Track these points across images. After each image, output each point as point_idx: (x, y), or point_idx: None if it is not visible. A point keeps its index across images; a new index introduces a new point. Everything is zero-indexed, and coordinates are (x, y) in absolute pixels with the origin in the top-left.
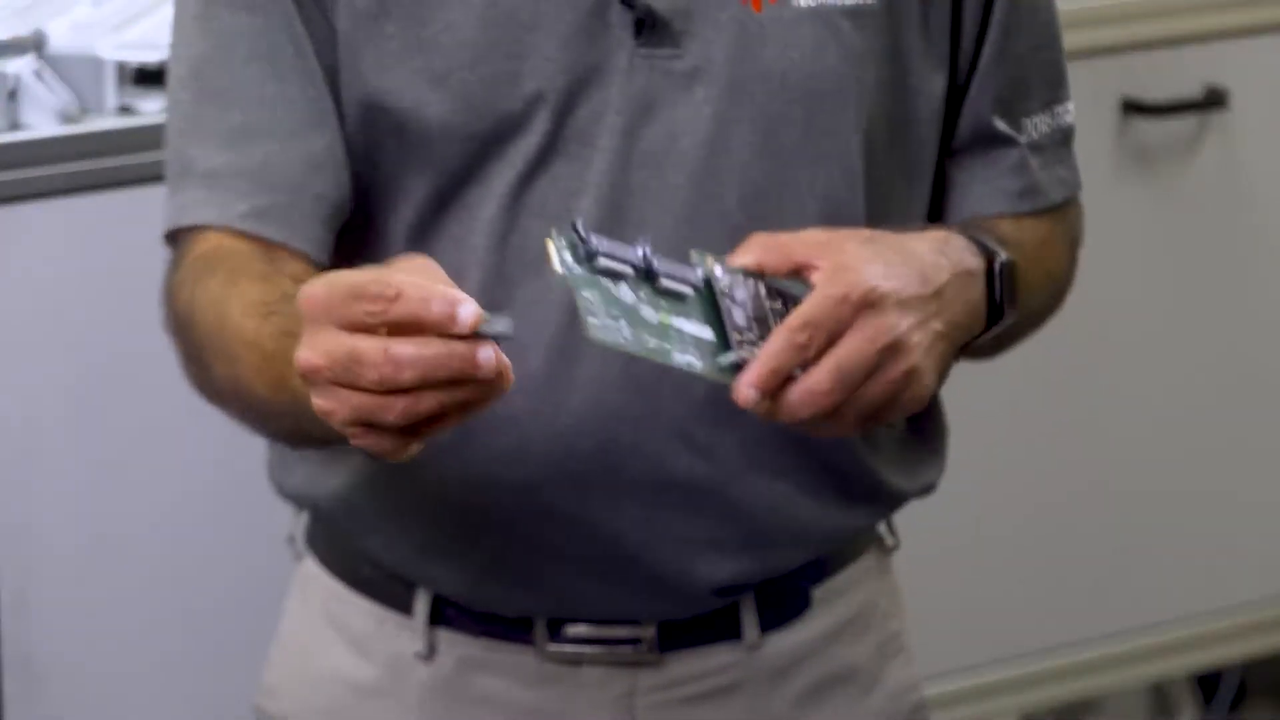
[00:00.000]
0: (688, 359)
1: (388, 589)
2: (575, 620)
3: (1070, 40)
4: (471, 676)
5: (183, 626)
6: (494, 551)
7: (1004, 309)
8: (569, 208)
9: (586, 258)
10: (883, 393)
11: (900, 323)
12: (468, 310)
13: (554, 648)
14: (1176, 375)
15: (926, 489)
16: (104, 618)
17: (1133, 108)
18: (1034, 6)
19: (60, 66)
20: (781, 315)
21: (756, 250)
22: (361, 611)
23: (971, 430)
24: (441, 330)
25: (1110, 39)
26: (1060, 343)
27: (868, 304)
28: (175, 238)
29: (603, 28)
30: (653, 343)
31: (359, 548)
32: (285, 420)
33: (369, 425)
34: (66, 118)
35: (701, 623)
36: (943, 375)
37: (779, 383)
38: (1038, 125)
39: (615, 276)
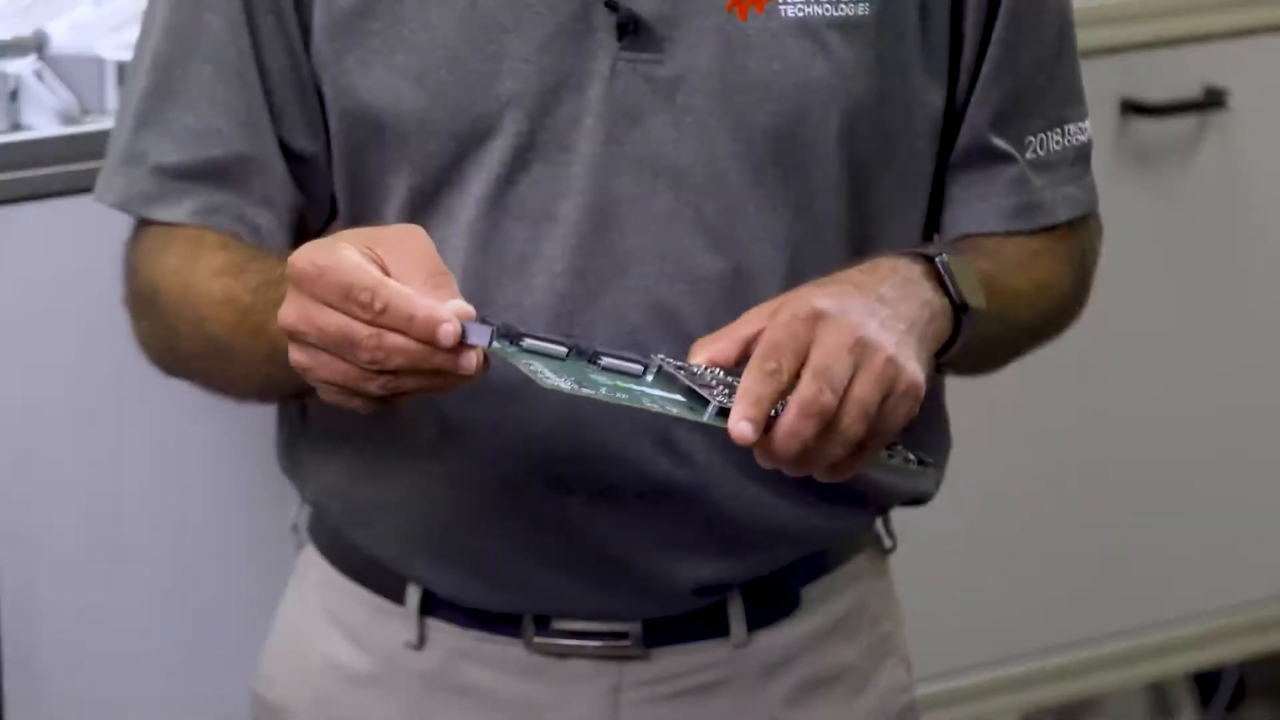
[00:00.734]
0: (663, 405)
1: (382, 579)
2: (562, 616)
3: None
4: (461, 667)
5: (183, 627)
6: (478, 551)
7: (967, 305)
8: (551, 212)
9: (513, 340)
10: (874, 387)
11: (860, 322)
12: (447, 330)
13: (541, 641)
14: (1176, 375)
15: (920, 498)
16: (104, 618)
17: (1132, 108)
18: (1039, 24)
19: (61, 67)
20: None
21: (703, 351)
22: (357, 601)
23: (970, 430)
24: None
25: (1110, 39)
26: (1059, 343)
27: (819, 317)
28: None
29: (586, 31)
30: (621, 393)
31: (353, 539)
32: (260, 370)
33: (346, 389)
34: (67, 118)
35: (689, 619)
36: (928, 373)
37: (766, 413)
38: (1043, 142)
39: (549, 356)
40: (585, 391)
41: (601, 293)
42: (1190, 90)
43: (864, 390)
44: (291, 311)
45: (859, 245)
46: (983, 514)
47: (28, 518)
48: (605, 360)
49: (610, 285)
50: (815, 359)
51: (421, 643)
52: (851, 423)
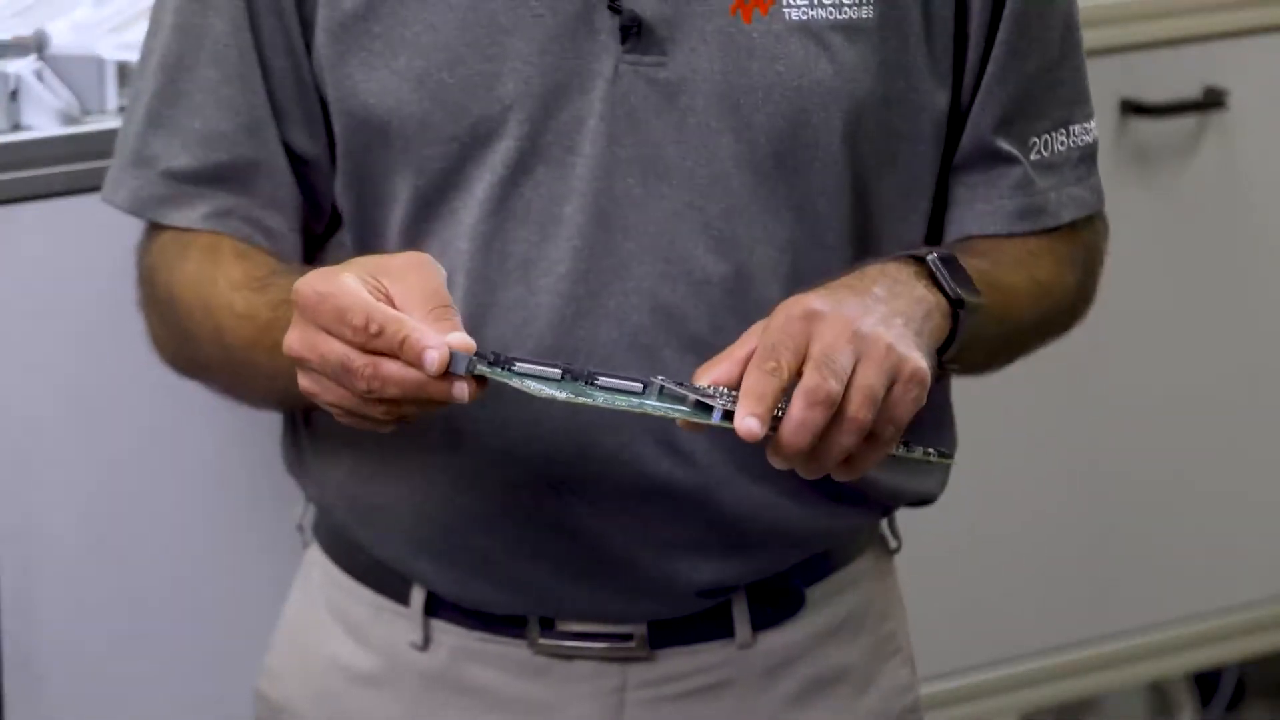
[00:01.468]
0: (666, 411)
1: (386, 579)
2: (565, 618)
3: None
4: (465, 667)
5: (183, 627)
6: (481, 552)
7: (963, 300)
8: (554, 214)
9: (504, 366)
10: (877, 373)
11: (856, 317)
12: (433, 356)
13: (546, 642)
14: (1175, 375)
15: (926, 498)
16: (104, 618)
17: (1131, 108)
18: (1045, 26)
19: (61, 67)
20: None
21: (705, 376)
22: (361, 600)
23: (970, 431)
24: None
25: (1109, 39)
26: (1059, 343)
27: (814, 315)
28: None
29: (588, 34)
30: (621, 400)
31: (357, 539)
32: (277, 383)
33: (351, 413)
34: (68, 118)
35: (693, 620)
36: (931, 368)
37: (770, 408)
38: (1048, 143)
39: (541, 379)
40: (583, 400)
41: (604, 295)
42: (1190, 90)
43: (868, 377)
44: (295, 338)
45: (862, 247)
46: (983, 514)
47: (28, 518)
48: (603, 380)
49: (613, 287)
50: (815, 351)
51: (426, 643)
52: (859, 409)
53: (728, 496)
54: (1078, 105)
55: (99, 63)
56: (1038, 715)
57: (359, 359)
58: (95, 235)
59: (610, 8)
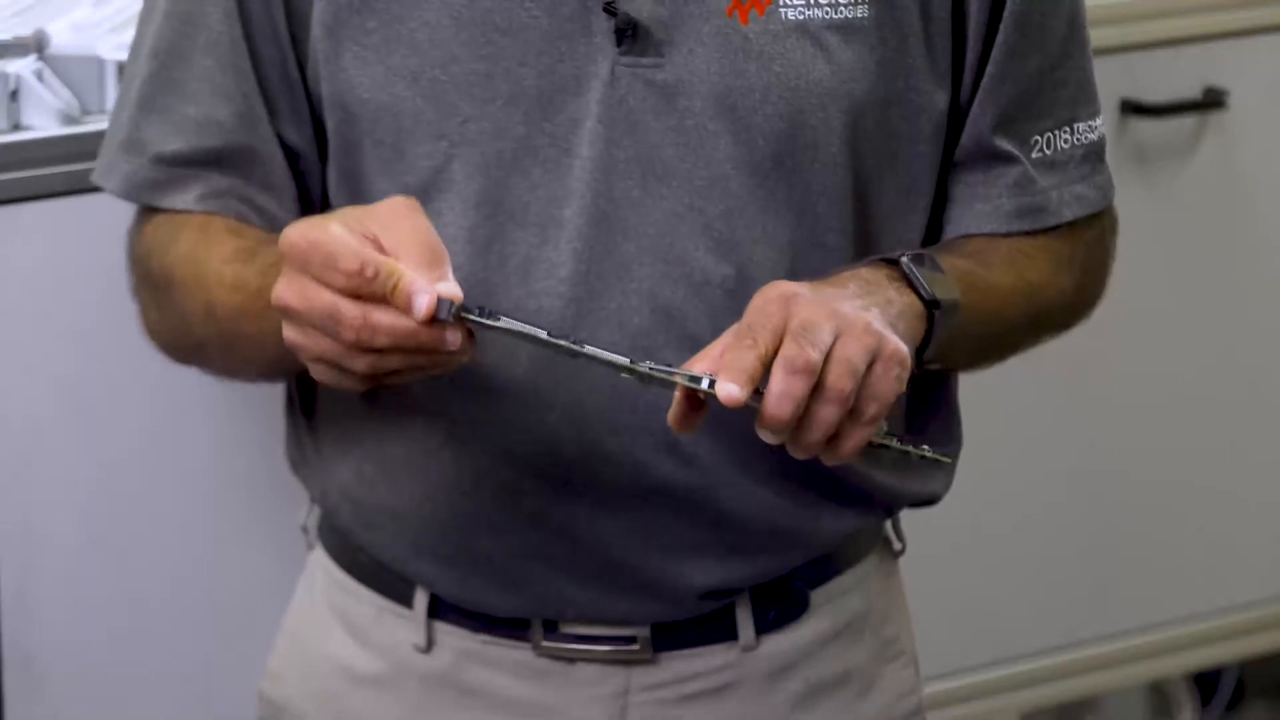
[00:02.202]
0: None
1: (389, 581)
2: (568, 620)
3: None
4: (468, 670)
5: (183, 627)
6: (483, 554)
7: (938, 301)
8: (553, 215)
9: (489, 316)
10: (857, 346)
11: (833, 299)
12: (421, 301)
13: (549, 645)
14: (1175, 375)
15: (929, 499)
16: (104, 618)
17: (1131, 108)
18: (1047, 26)
19: (61, 67)
20: None
21: (693, 367)
22: (364, 602)
23: (970, 431)
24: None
25: (1109, 39)
26: (1058, 343)
27: (792, 297)
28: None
29: (584, 35)
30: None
31: (360, 541)
32: (267, 351)
33: (335, 366)
34: (67, 118)
35: (697, 623)
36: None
37: (749, 375)
38: (1050, 142)
39: (526, 337)
40: (565, 344)
41: (605, 296)
42: (1190, 90)
43: (847, 349)
44: (284, 287)
45: (862, 247)
46: (983, 514)
47: (28, 518)
48: (589, 349)
49: (613, 289)
50: (793, 325)
51: (429, 645)
52: (839, 378)
53: (730, 498)
54: (1082, 104)
55: (99, 63)
56: (1038, 715)
57: (349, 307)
58: (95, 235)
59: (605, 10)
